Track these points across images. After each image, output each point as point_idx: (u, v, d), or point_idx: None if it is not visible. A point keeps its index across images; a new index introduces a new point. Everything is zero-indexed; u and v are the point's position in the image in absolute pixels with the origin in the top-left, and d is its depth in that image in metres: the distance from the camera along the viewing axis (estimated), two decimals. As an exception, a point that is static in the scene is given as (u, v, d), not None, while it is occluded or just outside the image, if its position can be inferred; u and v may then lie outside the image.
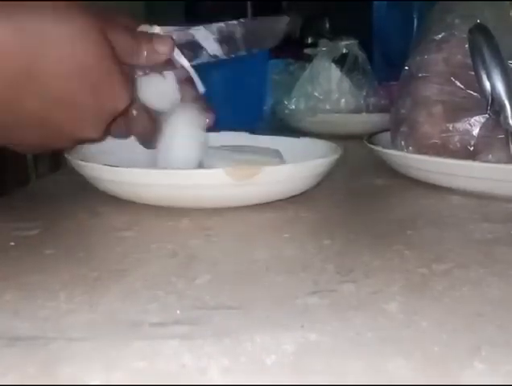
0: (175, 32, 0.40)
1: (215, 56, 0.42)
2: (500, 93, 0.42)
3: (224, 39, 0.42)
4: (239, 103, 0.69)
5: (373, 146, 0.50)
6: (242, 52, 0.43)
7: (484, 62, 0.43)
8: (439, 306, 0.24)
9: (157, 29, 0.39)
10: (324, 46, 0.82)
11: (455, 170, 0.43)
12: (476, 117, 0.45)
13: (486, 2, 0.49)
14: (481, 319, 0.23)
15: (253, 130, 0.52)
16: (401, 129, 0.50)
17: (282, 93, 0.81)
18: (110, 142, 0.43)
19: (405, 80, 0.51)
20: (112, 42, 0.34)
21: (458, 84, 0.46)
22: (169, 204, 0.38)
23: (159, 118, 0.42)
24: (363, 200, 0.44)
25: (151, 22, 0.40)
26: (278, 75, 0.86)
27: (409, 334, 0.22)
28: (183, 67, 0.41)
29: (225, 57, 0.42)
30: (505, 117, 0.42)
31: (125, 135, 0.43)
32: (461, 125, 0.45)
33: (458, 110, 0.46)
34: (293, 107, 0.79)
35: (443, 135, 0.46)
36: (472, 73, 0.44)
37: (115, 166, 0.37)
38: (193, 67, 0.41)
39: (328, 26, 1.65)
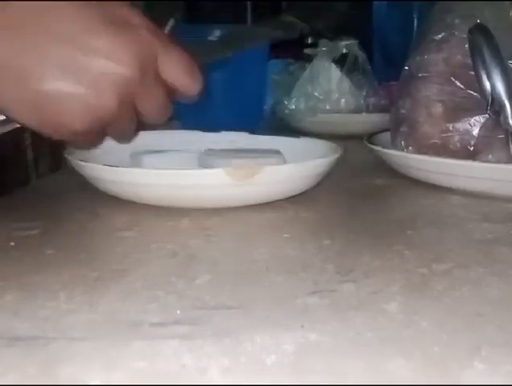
0: None
1: None
2: (500, 93, 0.42)
3: None
4: (239, 103, 0.69)
5: (373, 146, 0.50)
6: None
7: (484, 62, 0.43)
8: (439, 306, 0.24)
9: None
10: (324, 46, 0.82)
11: (455, 170, 0.43)
12: (476, 117, 0.45)
13: (486, 1, 0.49)
14: (481, 319, 0.23)
15: (253, 130, 0.52)
16: (401, 129, 0.50)
17: (282, 93, 0.81)
18: (110, 142, 0.43)
19: (405, 80, 0.51)
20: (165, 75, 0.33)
21: (458, 84, 0.46)
22: (169, 204, 0.38)
23: None
24: (363, 200, 0.44)
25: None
26: (278, 75, 0.86)
27: (409, 334, 0.22)
28: None
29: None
30: (505, 117, 0.42)
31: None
32: (461, 125, 0.45)
33: (458, 110, 0.46)
34: (293, 107, 0.79)
35: (443, 135, 0.46)
36: (472, 73, 0.44)
37: (115, 166, 0.37)
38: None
39: (328, 26, 1.65)
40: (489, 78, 0.43)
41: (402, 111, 0.50)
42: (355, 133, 0.64)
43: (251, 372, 0.19)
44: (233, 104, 0.69)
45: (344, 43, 0.81)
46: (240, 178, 0.35)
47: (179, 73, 0.34)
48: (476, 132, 0.45)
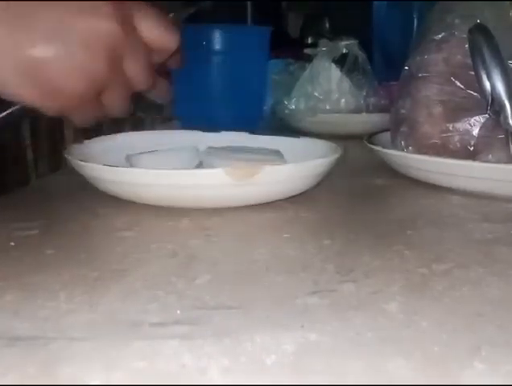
0: None
1: None
2: (500, 93, 0.42)
3: None
4: (239, 103, 0.69)
5: (373, 146, 0.50)
6: None
7: (484, 62, 0.43)
8: (439, 306, 0.24)
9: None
10: (324, 46, 0.82)
11: (455, 170, 0.43)
12: (476, 117, 0.45)
13: (486, 1, 0.49)
14: (481, 319, 0.23)
15: (253, 130, 0.52)
16: (401, 129, 0.50)
17: (282, 93, 0.81)
18: (110, 142, 0.43)
19: (405, 80, 0.51)
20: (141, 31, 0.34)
21: (458, 84, 0.46)
22: (169, 204, 0.38)
23: None
24: (363, 200, 0.44)
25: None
26: (278, 75, 0.86)
27: (409, 334, 0.22)
28: None
29: None
30: (505, 117, 0.42)
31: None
32: (461, 125, 0.45)
33: (458, 110, 0.46)
34: (293, 107, 0.79)
35: (443, 135, 0.46)
36: (472, 73, 0.44)
37: (115, 166, 0.37)
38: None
39: (328, 26, 1.65)
40: (489, 78, 0.43)
41: (402, 111, 0.50)
42: (355, 133, 0.64)
43: (251, 372, 0.19)
44: (233, 104, 0.69)
45: (344, 43, 0.81)
46: (240, 178, 0.35)
47: (156, 28, 0.35)
48: (476, 132, 0.45)
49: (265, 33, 0.72)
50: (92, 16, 0.32)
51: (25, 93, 0.32)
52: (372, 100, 0.81)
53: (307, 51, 0.85)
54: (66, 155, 0.41)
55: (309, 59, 0.83)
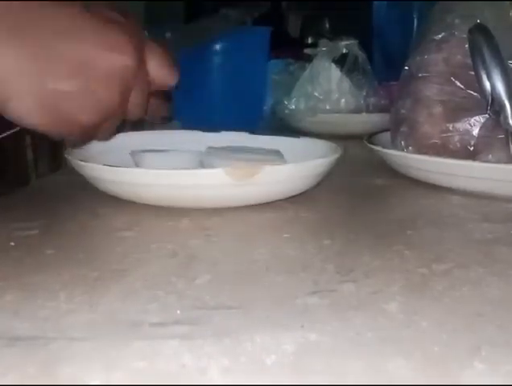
0: None
1: None
2: (500, 93, 0.42)
3: None
4: (239, 103, 0.69)
5: (373, 146, 0.50)
6: None
7: (484, 62, 0.43)
8: (439, 306, 0.24)
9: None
10: (324, 46, 0.82)
11: (455, 170, 0.43)
12: (476, 117, 0.45)
13: (486, 1, 0.49)
14: (481, 319, 0.23)
15: (253, 130, 0.52)
16: (401, 129, 0.50)
17: (282, 93, 0.81)
18: (110, 142, 0.43)
19: (405, 80, 0.51)
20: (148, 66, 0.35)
21: (458, 84, 0.46)
22: (169, 204, 0.38)
23: None
24: (363, 200, 0.44)
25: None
26: (278, 75, 0.86)
27: (409, 334, 0.22)
28: None
29: None
30: (505, 117, 0.42)
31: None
32: (461, 125, 0.45)
33: (458, 110, 0.46)
34: (293, 107, 0.79)
35: (443, 135, 0.46)
36: (472, 73, 0.44)
37: (115, 166, 0.37)
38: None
39: (328, 26, 1.65)
40: (489, 78, 0.43)
41: (402, 111, 0.50)
42: (355, 133, 0.64)
43: (251, 372, 0.19)
44: (233, 105, 0.69)
45: (344, 43, 0.81)
46: (240, 177, 0.35)
47: (161, 67, 0.36)
48: (476, 132, 0.45)
49: (265, 33, 0.72)
50: (115, 54, 0.32)
51: (40, 121, 0.32)
52: (372, 100, 0.81)
53: (307, 51, 0.85)
54: (66, 155, 0.41)
55: (309, 59, 0.83)
